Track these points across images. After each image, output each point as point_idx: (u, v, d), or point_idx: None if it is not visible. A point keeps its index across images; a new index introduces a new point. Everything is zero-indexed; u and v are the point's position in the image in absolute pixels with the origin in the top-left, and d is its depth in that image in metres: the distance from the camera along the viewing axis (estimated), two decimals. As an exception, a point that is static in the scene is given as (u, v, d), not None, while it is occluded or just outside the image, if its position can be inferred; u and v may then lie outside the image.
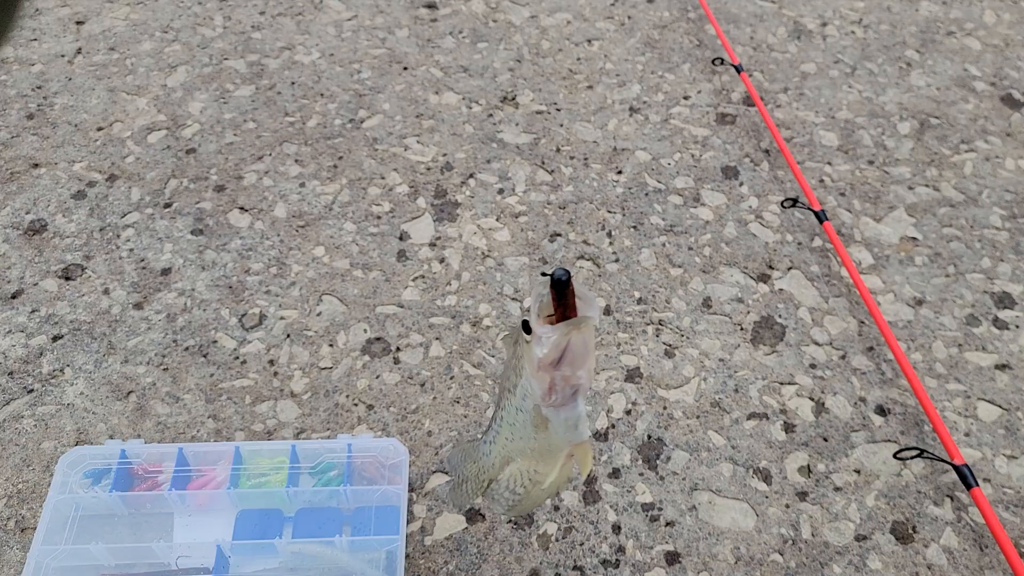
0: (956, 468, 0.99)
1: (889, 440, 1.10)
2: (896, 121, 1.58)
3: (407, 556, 0.97)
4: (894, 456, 1.05)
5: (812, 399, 1.14)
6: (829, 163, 1.49)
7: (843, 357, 1.19)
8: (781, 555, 0.99)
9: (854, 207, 1.41)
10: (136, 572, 0.92)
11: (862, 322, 1.23)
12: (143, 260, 1.29)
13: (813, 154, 1.51)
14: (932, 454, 1.03)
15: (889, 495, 1.05)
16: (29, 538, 0.97)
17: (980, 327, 1.23)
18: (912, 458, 1.04)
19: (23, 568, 0.90)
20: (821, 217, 1.28)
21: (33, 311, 1.21)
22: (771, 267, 1.31)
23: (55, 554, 0.91)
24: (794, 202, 1.35)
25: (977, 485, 0.97)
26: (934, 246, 1.35)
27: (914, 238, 1.36)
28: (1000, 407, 1.14)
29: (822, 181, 1.45)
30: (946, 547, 1.00)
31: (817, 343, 1.21)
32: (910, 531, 1.01)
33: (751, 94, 1.51)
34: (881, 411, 1.13)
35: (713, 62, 1.67)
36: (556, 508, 1.02)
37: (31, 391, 1.12)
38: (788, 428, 1.10)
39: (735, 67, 1.57)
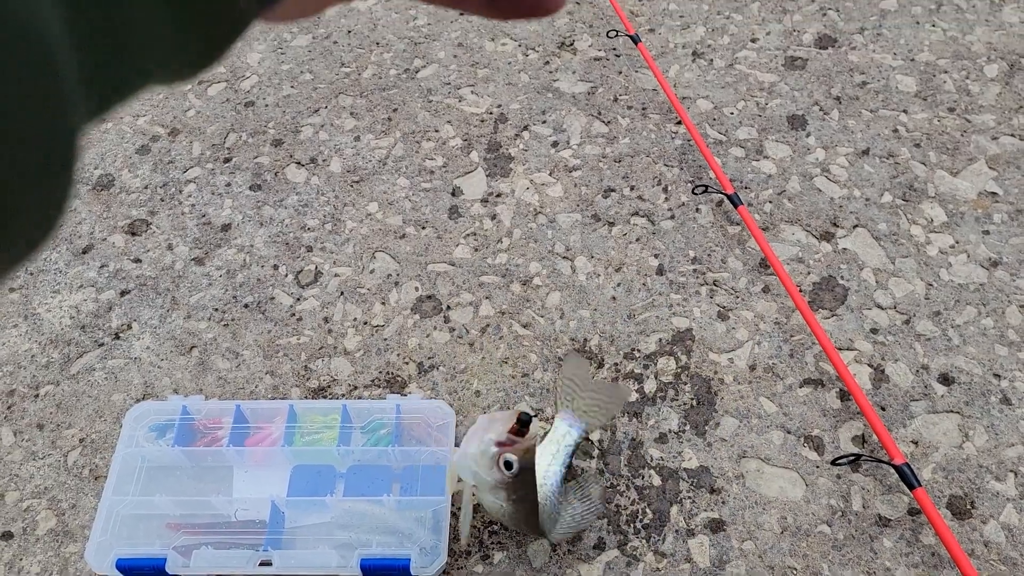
0: (897, 468, 0.95)
1: (952, 411, 1.06)
2: (983, 63, 1.47)
3: (453, 515, 1.00)
4: (832, 463, 1.01)
5: (871, 366, 1.10)
6: (905, 111, 1.40)
7: (907, 322, 1.14)
8: (829, 526, 0.98)
9: (929, 159, 1.33)
10: (198, 523, 0.98)
11: (930, 284, 1.18)
12: (204, 216, 1.32)
13: (888, 101, 1.42)
14: (870, 456, 0.99)
15: (948, 468, 1.01)
16: (101, 486, 1.03)
17: (1061, 291, 1.16)
18: (849, 463, 1.00)
19: (95, 515, 0.96)
20: (735, 201, 1.20)
21: (102, 266, 1.27)
22: (835, 225, 1.25)
23: (124, 503, 0.97)
24: (705, 188, 1.27)
25: (920, 486, 0.93)
26: (1016, 202, 1.27)
27: (994, 193, 1.28)
28: (1076, 378, 1.08)
29: (896, 131, 1.37)
30: (1006, 524, 0.97)
31: (880, 307, 1.16)
32: (968, 506, 0.98)
33: (649, 63, 1.41)
34: (945, 380, 1.09)
35: (608, 34, 1.54)
36: (602, 472, 1.03)
37: (102, 344, 1.18)
38: (844, 396, 1.07)
39: (631, 37, 1.45)
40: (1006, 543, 0.95)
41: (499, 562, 0.96)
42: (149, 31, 0.17)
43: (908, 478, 0.96)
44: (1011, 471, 1.00)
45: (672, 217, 1.28)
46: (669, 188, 1.32)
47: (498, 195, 1.32)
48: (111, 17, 0.16)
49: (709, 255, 1.23)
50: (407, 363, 1.14)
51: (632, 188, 1.32)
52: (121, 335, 1.19)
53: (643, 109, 1.44)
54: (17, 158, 0.14)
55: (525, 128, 1.42)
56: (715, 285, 1.20)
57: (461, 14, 1.38)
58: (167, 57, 0.18)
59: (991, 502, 0.98)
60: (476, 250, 1.25)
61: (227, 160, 1.40)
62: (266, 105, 1.49)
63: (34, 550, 0.99)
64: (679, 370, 1.11)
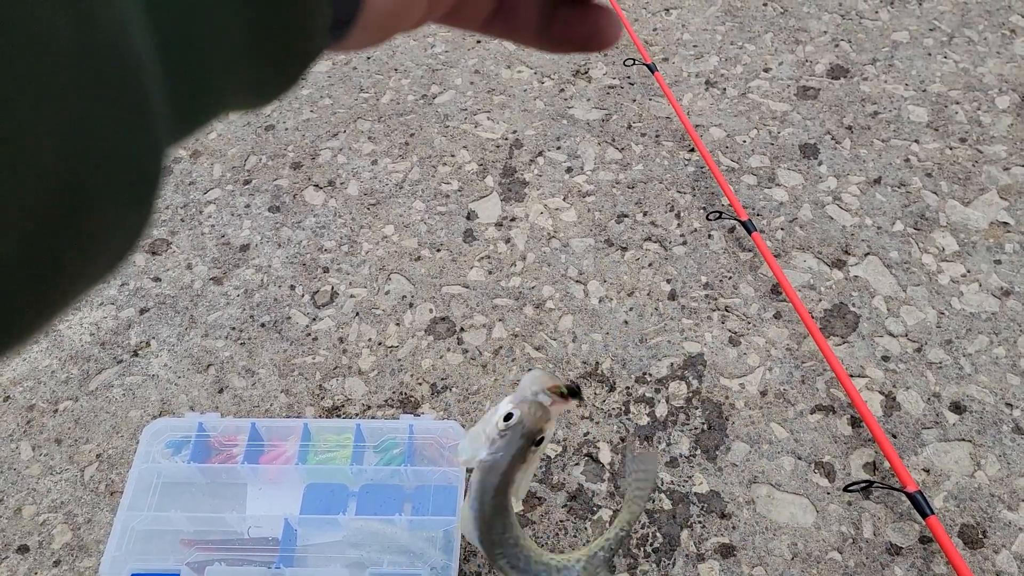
0: (910, 496, 0.95)
1: (964, 439, 1.06)
2: (994, 95, 1.48)
3: (464, 536, 1.00)
4: (844, 489, 1.01)
5: (883, 393, 1.11)
6: (916, 141, 1.41)
7: (919, 350, 1.15)
8: (840, 553, 0.97)
9: (941, 189, 1.34)
10: (212, 539, 0.99)
11: (941, 313, 1.18)
12: (223, 236, 1.35)
13: (899, 131, 1.43)
14: (882, 484, 1.00)
15: (960, 496, 1.01)
16: (117, 501, 1.04)
17: (1073, 321, 1.16)
18: (861, 490, 1.00)
19: (111, 530, 0.97)
20: (749, 227, 1.22)
21: (123, 284, 1.29)
22: (847, 252, 1.26)
23: (139, 519, 0.98)
24: (720, 215, 1.29)
25: (933, 513, 0.93)
26: (1028, 232, 1.27)
27: (1005, 223, 1.29)
28: (1089, 408, 1.08)
29: (907, 160, 1.38)
30: (1018, 554, 0.96)
31: (892, 334, 1.17)
32: (980, 535, 0.98)
33: (665, 92, 1.44)
34: (957, 408, 1.09)
35: (625, 63, 1.58)
36: (612, 495, 1.03)
37: (120, 361, 1.19)
38: (855, 423, 1.08)
39: (647, 66, 1.48)
40: (1019, 573, 0.95)
41: (509, 583, 0.96)
42: (228, 58, 0.18)
43: (920, 506, 0.96)
44: (1023, 500, 1.00)
45: (684, 243, 1.29)
46: (682, 214, 1.33)
47: (512, 219, 1.34)
48: (193, 43, 0.17)
49: (721, 281, 1.24)
50: (420, 384, 1.15)
51: (645, 214, 1.33)
52: (139, 352, 1.20)
53: (656, 136, 1.46)
54: (110, 169, 0.15)
55: (540, 154, 1.44)
56: (727, 311, 1.20)
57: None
58: (244, 84, 0.19)
59: (1003, 531, 0.98)
60: (490, 273, 1.27)
61: (247, 182, 1.43)
62: (286, 129, 1.52)
63: (49, 564, 1.00)
64: (690, 395, 1.12)
